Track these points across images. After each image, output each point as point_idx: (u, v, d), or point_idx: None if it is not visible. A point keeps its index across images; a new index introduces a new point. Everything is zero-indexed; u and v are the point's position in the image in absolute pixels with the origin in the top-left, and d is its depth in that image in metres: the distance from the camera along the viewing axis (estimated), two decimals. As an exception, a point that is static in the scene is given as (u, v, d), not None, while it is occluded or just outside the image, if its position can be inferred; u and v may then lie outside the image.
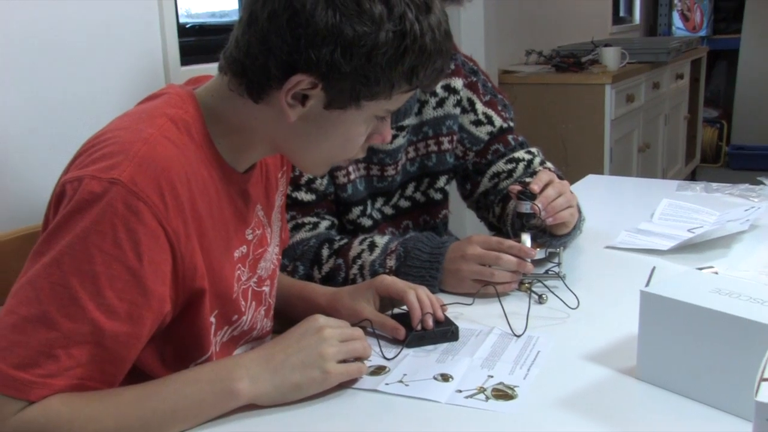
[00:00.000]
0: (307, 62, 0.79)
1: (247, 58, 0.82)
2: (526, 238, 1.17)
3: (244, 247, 0.93)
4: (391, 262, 1.19)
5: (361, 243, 1.23)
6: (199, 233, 0.83)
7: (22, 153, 1.37)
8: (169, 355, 0.87)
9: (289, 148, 0.90)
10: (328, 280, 1.22)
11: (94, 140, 0.82)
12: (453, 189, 1.52)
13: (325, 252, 1.23)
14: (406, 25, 0.79)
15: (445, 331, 1.01)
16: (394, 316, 1.04)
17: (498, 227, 1.44)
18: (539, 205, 1.16)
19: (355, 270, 1.20)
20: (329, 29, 0.77)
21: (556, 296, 1.12)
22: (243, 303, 0.94)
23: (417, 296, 1.03)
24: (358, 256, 1.21)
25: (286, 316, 1.12)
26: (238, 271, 0.92)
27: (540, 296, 1.13)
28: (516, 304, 1.12)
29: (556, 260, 1.21)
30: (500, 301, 1.10)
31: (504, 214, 1.37)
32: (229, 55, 0.85)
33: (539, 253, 1.18)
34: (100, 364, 0.76)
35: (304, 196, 1.25)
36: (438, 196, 1.44)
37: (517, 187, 1.17)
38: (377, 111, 0.86)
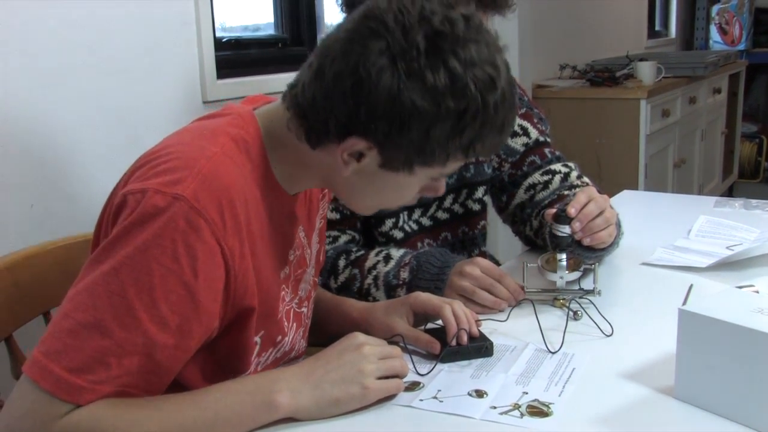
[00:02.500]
0: (365, 129, 0.80)
1: (311, 109, 0.83)
2: (562, 257, 1.17)
3: (287, 267, 0.95)
4: (404, 274, 1.22)
5: (377, 255, 1.27)
6: (252, 252, 0.84)
7: (62, 165, 1.40)
8: (209, 369, 0.88)
9: (341, 192, 0.92)
10: (343, 289, 1.25)
11: (155, 153, 0.83)
12: (489, 202, 1.52)
13: (342, 262, 1.27)
14: (469, 101, 0.78)
15: (480, 347, 1.02)
16: (428, 331, 1.05)
17: (534, 241, 1.44)
18: (576, 224, 1.16)
19: (369, 280, 1.24)
20: (390, 102, 0.77)
21: (590, 317, 1.12)
22: (286, 323, 0.96)
23: (453, 311, 1.04)
24: (374, 267, 1.25)
25: (321, 329, 1.13)
26: (283, 292, 0.94)
27: (575, 312, 1.13)
28: (551, 320, 1.12)
29: (591, 277, 1.21)
30: (537, 317, 1.10)
31: (542, 227, 1.37)
32: (295, 95, 0.85)
33: (573, 275, 1.18)
34: (146, 375, 0.77)
35: (329, 214, 1.29)
36: (476, 207, 1.45)
37: (552, 211, 1.17)
38: (432, 174, 0.87)
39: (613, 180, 2.93)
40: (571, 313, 1.13)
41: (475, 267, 1.19)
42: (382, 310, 1.09)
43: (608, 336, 1.07)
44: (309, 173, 0.91)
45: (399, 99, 0.77)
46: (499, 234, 2.26)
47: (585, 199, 1.17)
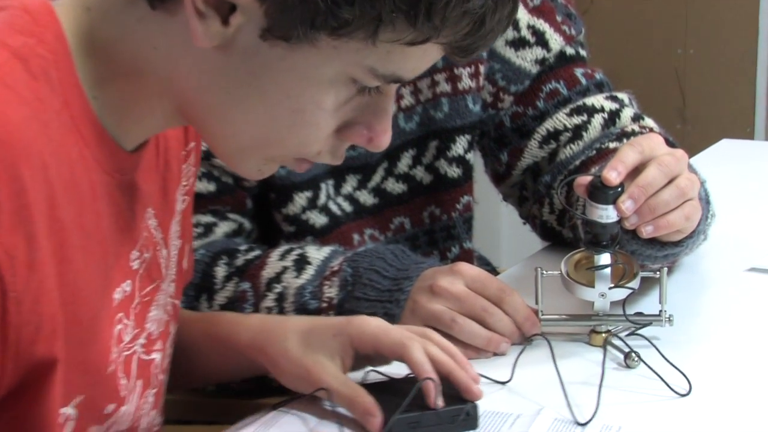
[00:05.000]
0: None
1: None
2: (604, 260, 1.19)
3: (128, 282, 0.96)
4: (331, 291, 1.25)
5: (282, 257, 1.28)
6: (59, 258, 0.84)
7: None
8: None
9: (201, 110, 0.92)
10: None
11: None
12: (479, 163, 1.55)
13: (221, 270, 1.28)
14: None
15: (455, 413, 1.04)
16: (370, 387, 1.07)
17: (557, 231, 1.46)
18: (628, 202, 1.16)
19: (270, 301, 1.26)
20: None
21: (647, 366, 1.14)
22: (123, 381, 0.96)
23: (428, 352, 1.06)
24: (277, 278, 1.26)
25: (184, 369, 1.14)
26: (119, 325, 0.94)
27: (627, 355, 1.16)
28: (585, 368, 1.15)
29: (655, 293, 1.23)
30: (555, 362, 1.12)
31: (571, 208, 1.37)
32: None
33: (622, 291, 1.19)
34: None
35: (199, 184, 1.29)
36: (454, 171, 1.47)
37: (588, 179, 1.18)
38: (353, 68, 0.87)
39: (705, 121, 2.97)
40: (618, 356, 1.16)
41: (456, 278, 1.21)
42: (298, 337, 1.11)
43: (683, 396, 1.09)
44: (152, 91, 0.91)
45: None
46: (497, 220, 2.28)
47: (635, 155, 1.17)
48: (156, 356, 1.03)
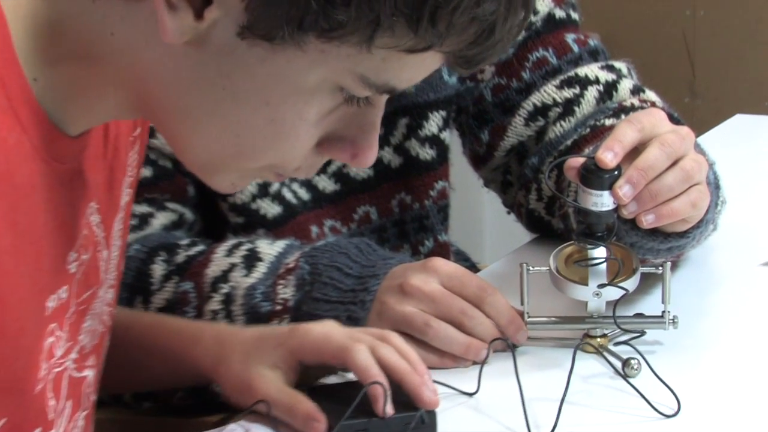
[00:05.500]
0: None
1: None
2: (599, 254, 1.19)
3: (65, 288, 0.95)
4: (285, 291, 1.25)
5: (230, 253, 1.28)
6: None
7: None
8: None
9: (166, 110, 0.91)
10: None
11: None
12: (456, 143, 1.55)
13: (159, 269, 1.28)
14: None
15: (407, 420, 1.06)
16: (317, 392, 1.09)
17: (545, 221, 1.46)
18: (625, 187, 1.16)
19: (215, 304, 1.26)
20: None
21: (628, 382, 1.14)
22: (51, 402, 0.96)
23: (378, 355, 1.08)
24: (224, 276, 1.27)
25: (114, 374, 1.13)
26: (51, 338, 0.94)
27: (626, 362, 1.16)
28: (572, 378, 1.14)
29: (658, 292, 1.23)
30: (518, 377, 1.11)
31: (562, 195, 1.37)
32: None
33: (617, 291, 1.19)
34: None
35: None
36: (427, 153, 1.47)
37: (579, 161, 1.18)
38: (342, 76, 0.87)
39: (716, 94, 2.98)
40: (615, 362, 1.17)
41: (430, 276, 1.21)
42: (242, 349, 1.14)
43: (669, 417, 1.10)
44: (105, 81, 0.91)
45: None
46: (477, 208, 2.29)
47: (634, 133, 1.17)
48: (88, 373, 1.03)
